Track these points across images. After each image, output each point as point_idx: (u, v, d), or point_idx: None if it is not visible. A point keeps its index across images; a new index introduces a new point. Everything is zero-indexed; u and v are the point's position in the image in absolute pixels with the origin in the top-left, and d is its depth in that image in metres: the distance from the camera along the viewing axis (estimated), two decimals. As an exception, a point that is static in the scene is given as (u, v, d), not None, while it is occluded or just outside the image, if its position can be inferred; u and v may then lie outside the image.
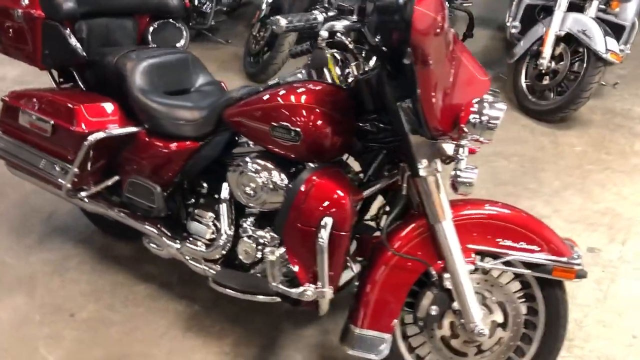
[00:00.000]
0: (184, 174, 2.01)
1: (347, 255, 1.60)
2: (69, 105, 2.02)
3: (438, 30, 1.27)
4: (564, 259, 1.58)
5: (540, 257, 1.58)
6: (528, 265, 1.60)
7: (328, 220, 1.52)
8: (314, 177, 1.57)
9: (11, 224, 2.72)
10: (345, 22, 1.31)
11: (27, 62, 2.25)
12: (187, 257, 2.03)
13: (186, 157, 1.98)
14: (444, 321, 1.66)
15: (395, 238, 1.60)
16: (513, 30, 4.22)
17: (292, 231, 1.59)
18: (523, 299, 1.70)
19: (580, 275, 1.58)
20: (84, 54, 2.13)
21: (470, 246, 1.58)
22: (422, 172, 1.48)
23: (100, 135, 2.00)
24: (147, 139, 2.05)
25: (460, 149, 1.45)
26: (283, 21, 1.24)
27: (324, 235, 1.52)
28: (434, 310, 1.62)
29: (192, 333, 2.09)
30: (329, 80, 1.35)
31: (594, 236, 2.63)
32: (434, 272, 1.58)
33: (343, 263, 1.60)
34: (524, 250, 1.58)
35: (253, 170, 1.74)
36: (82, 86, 2.27)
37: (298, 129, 1.60)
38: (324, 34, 1.23)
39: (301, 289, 1.60)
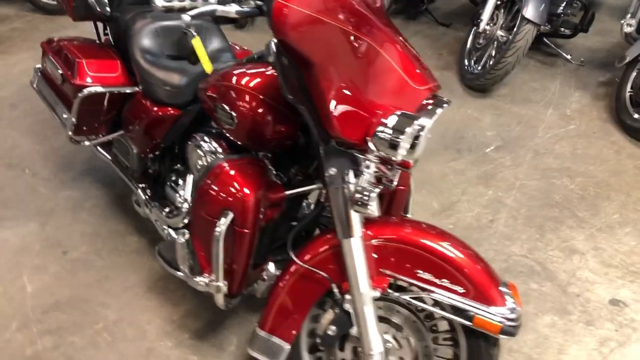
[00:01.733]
0: (165, 140, 2.03)
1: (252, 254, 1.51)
2: (75, 57, 2.12)
3: (320, 25, 1.11)
4: (489, 309, 1.33)
5: (460, 301, 1.34)
6: (453, 307, 1.39)
7: (228, 213, 1.45)
8: (224, 166, 1.49)
9: (61, 158, 2.97)
10: (237, 8, 1.19)
11: (68, 13, 2.40)
12: (155, 220, 2.08)
13: (169, 124, 1.99)
14: (346, 344, 1.52)
15: (306, 247, 1.48)
16: (627, 29, 3.59)
17: (197, 218, 1.54)
18: (449, 342, 1.49)
19: (507, 332, 1.33)
20: (105, 9, 2.21)
21: (384, 271, 1.41)
22: (328, 181, 1.33)
23: (94, 89, 2.08)
24: (139, 101, 2.09)
25: (367, 163, 1.28)
26: (160, 0, 1.16)
27: (221, 226, 1.44)
28: (331, 331, 1.47)
29: (154, 294, 2.14)
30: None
31: (628, 288, 2.20)
32: (336, 291, 1.44)
33: (247, 262, 1.51)
34: (444, 288, 1.36)
35: (202, 147, 1.71)
36: (111, 41, 2.38)
37: (234, 113, 1.53)
38: (185, 17, 1.12)
39: (197, 278, 1.55)
